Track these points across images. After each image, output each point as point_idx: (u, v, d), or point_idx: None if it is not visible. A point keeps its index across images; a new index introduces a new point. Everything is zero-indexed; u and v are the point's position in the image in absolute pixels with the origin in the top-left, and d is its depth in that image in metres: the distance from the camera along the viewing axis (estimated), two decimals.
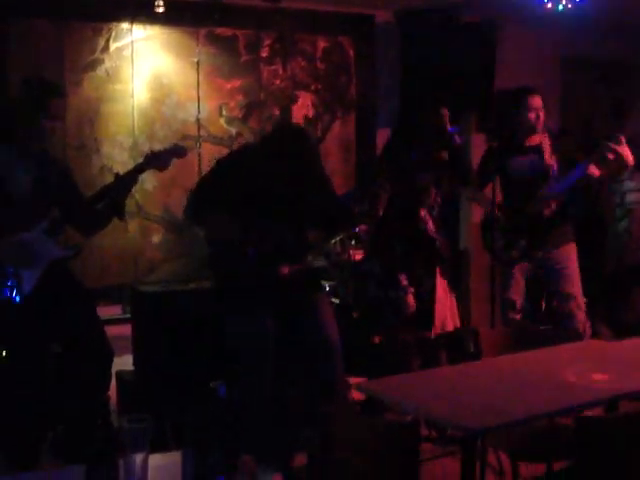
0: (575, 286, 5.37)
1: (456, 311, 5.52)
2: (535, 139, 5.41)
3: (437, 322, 5.34)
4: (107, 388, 4.61)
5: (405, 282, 5.22)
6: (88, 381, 4.50)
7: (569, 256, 5.40)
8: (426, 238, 5.33)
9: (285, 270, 4.40)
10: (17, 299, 4.19)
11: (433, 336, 5.32)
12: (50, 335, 4.46)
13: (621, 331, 5.72)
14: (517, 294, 5.50)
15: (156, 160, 4.53)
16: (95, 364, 4.52)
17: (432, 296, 5.31)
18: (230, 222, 4.32)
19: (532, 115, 5.33)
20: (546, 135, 5.41)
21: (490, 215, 5.45)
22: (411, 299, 5.21)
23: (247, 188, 4.34)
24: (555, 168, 5.30)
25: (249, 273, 4.34)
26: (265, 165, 4.37)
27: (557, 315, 5.41)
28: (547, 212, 5.33)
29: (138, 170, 4.58)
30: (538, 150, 5.38)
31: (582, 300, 5.38)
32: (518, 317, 5.47)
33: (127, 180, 4.54)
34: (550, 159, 5.33)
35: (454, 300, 5.51)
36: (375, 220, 5.14)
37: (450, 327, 5.42)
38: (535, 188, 5.35)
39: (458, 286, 5.72)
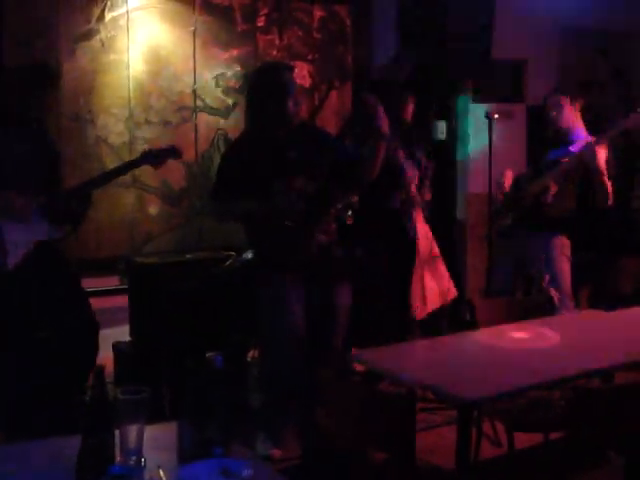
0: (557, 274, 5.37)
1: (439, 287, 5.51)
2: (570, 134, 5.38)
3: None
4: (94, 359, 4.64)
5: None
6: (75, 353, 4.55)
7: (554, 245, 5.38)
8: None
9: (322, 238, 4.42)
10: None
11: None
12: (34, 311, 4.50)
13: (616, 302, 5.71)
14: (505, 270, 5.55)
15: (152, 158, 4.64)
16: (81, 336, 4.56)
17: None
18: (256, 201, 4.33)
19: (553, 113, 5.34)
20: (586, 137, 5.35)
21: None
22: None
23: (263, 164, 4.35)
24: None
25: (287, 244, 4.36)
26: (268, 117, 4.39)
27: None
28: (547, 199, 5.31)
29: (132, 165, 4.70)
30: (567, 144, 5.36)
31: (563, 290, 5.38)
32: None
33: (111, 174, 4.66)
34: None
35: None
36: None
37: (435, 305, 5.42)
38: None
39: (454, 257, 5.69)
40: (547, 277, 5.29)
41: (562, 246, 5.36)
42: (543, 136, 5.61)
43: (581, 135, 5.37)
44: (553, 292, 5.27)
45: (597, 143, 5.11)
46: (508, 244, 5.53)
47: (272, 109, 4.35)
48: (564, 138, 5.41)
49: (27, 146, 4.42)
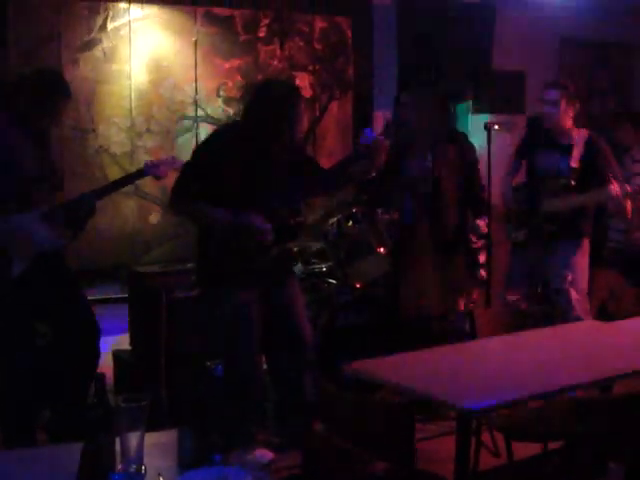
0: (576, 280, 5.36)
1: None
2: (566, 137, 5.35)
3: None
4: (96, 364, 4.64)
5: None
6: (77, 358, 4.56)
7: (577, 246, 5.37)
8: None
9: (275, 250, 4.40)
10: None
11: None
12: (35, 315, 4.51)
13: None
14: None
15: (155, 169, 4.70)
16: (83, 341, 4.57)
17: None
18: (218, 211, 4.21)
19: (547, 108, 5.30)
20: (585, 135, 5.34)
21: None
22: None
23: (233, 170, 4.23)
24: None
25: (248, 253, 4.29)
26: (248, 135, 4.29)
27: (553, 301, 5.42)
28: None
29: (135, 177, 4.82)
30: (567, 150, 5.33)
31: (582, 292, 5.37)
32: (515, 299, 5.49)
33: (116, 185, 4.71)
34: (578, 163, 5.27)
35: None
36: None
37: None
38: (554, 189, 5.34)
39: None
40: (570, 276, 5.27)
41: (583, 248, 5.38)
42: (533, 135, 5.57)
43: (578, 140, 5.31)
44: (573, 293, 5.27)
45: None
46: (523, 254, 5.52)
47: (280, 134, 4.25)
48: (556, 140, 5.37)
49: (40, 150, 4.45)
